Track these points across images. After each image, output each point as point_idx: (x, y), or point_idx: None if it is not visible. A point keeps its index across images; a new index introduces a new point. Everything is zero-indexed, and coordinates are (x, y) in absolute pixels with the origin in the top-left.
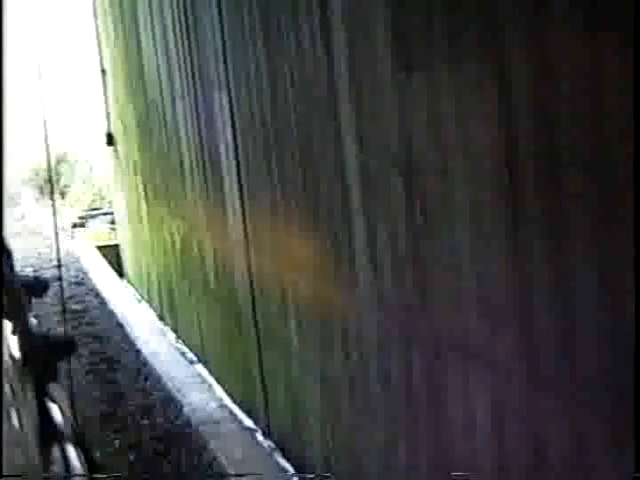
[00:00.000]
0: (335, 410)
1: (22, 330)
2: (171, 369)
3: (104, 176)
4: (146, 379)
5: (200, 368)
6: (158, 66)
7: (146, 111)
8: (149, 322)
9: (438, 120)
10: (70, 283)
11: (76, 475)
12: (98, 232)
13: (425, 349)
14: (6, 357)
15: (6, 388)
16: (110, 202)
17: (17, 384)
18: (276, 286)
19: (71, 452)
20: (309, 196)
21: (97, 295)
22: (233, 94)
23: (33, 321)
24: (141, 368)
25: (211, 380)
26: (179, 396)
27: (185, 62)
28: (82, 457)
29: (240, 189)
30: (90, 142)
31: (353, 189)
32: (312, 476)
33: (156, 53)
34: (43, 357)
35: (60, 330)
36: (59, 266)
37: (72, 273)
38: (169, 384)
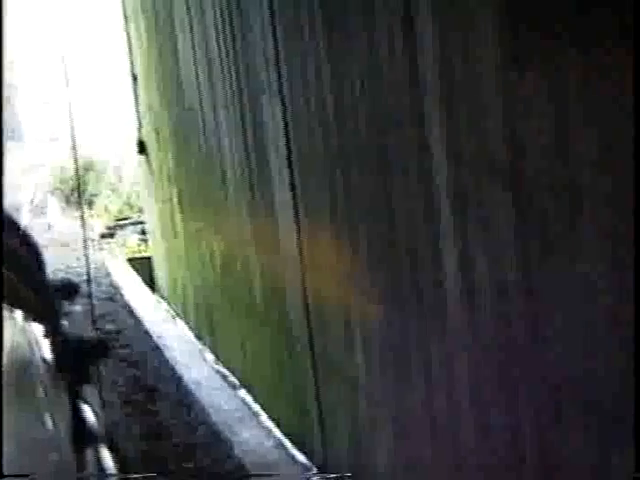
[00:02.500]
0: (413, 457)
1: (54, 333)
2: (215, 399)
3: (133, 185)
4: (189, 411)
5: (244, 394)
6: (197, 70)
7: (182, 118)
8: (187, 343)
9: (562, 122)
10: (101, 299)
11: (109, 475)
12: (127, 243)
13: (537, 400)
14: (39, 360)
15: (40, 391)
16: (140, 211)
17: (50, 387)
18: (338, 311)
19: (104, 454)
20: (382, 212)
21: (131, 313)
22: (287, 101)
23: (65, 324)
24: (183, 399)
25: (256, 407)
26: (227, 432)
27: (229, 66)
28: (115, 459)
29: (294, 203)
30: (119, 150)
31: (441, 205)
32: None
33: (195, 57)
34: (76, 360)
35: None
36: (89, 281)
37: (103, 288)
38: (215, 417)
